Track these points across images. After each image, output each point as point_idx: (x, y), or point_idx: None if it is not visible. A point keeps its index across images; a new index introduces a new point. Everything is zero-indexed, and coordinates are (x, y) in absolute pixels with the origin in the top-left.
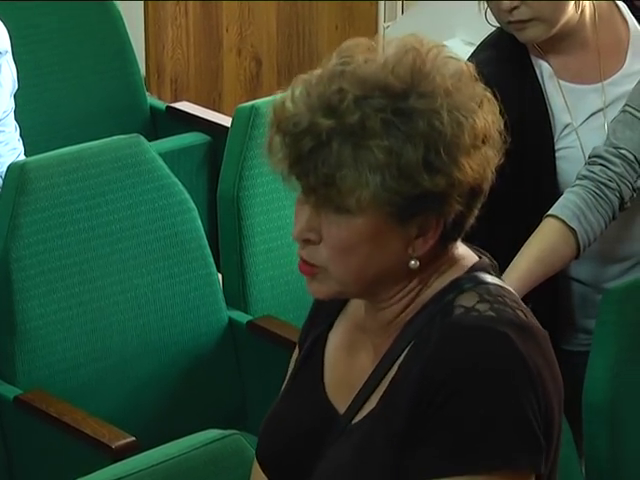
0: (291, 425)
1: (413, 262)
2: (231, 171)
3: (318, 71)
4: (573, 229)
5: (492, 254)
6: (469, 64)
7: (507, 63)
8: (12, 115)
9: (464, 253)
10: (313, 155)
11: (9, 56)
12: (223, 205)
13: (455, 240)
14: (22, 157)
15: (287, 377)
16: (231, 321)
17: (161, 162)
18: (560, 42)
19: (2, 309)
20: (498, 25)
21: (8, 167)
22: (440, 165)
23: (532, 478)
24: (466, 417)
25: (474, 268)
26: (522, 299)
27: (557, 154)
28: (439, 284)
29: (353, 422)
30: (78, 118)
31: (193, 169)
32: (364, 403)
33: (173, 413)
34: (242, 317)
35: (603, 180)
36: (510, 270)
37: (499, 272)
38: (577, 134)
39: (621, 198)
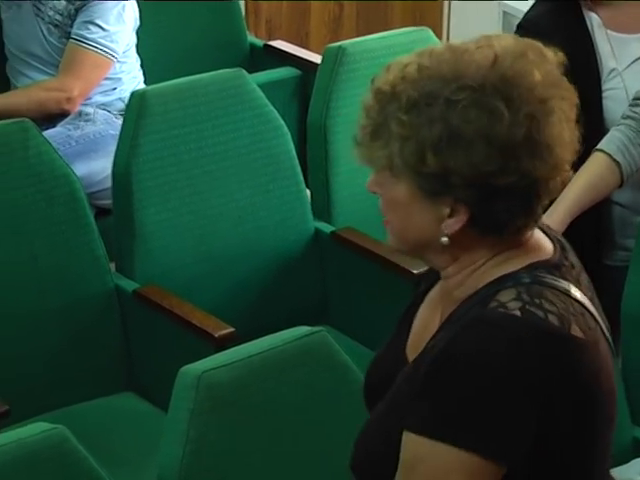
0: (379, 371)
1: (444, 239)
2: (319, 102)
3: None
4: (618, 162)
5: None
6: (542, 74)
7: (562, 15)
8: (134, 48)
9: (540, 246)
10: (368, 111)
11: None
12: (312, 131)
13: (493, 234)
14: (142, 85)
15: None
16: (317, 231)
17: (260, 93)
18: None
19: (124, 216)
20: None
21: (131, 94)
22: (439, 151)
23: (500, 471)
24: (452, 395)
25: (537, 264)
26: (570, 222)
27: (604, 94)
28: (498, 272)
29: None
30: (189, 52)
31: (286, 99)
32: None
33: (266, 308)
34: (326, 228)
35: None
36: (563, 196)
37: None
38: (621, 77)
39: None
